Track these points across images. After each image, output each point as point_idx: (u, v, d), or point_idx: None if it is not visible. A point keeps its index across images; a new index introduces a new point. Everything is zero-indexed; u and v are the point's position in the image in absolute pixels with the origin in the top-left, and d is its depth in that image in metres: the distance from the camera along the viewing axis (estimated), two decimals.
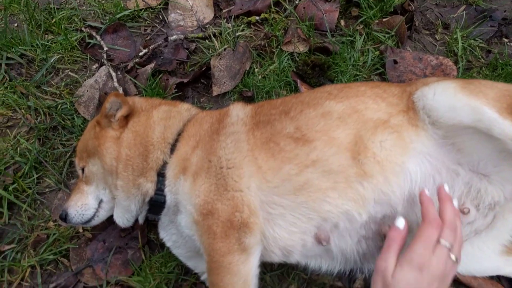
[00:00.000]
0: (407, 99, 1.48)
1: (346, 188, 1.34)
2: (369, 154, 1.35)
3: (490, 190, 1.41)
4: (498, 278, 1.63)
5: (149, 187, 1.50)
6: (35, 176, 1.89)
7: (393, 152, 1.36)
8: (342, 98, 1.50)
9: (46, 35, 2.41)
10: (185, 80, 2.12)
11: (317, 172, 1.35)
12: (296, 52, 2.25)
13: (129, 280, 1.63)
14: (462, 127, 1.35)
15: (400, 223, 1.26)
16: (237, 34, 2.34)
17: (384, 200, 1.34)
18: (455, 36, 2.29)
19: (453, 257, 1.20)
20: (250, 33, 2.37)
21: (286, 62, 2.20)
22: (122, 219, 1.61)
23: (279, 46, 2.28)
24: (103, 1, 2.58)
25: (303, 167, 1.35)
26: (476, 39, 2.31)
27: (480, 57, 2.26)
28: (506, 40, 2.34)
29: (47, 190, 1.89)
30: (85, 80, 2.23)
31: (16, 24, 2.46)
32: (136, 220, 1.65)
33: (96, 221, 1.65)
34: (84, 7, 2.56)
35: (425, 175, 1.37)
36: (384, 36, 2.25)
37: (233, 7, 2.52)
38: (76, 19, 2.46)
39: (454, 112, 1.35)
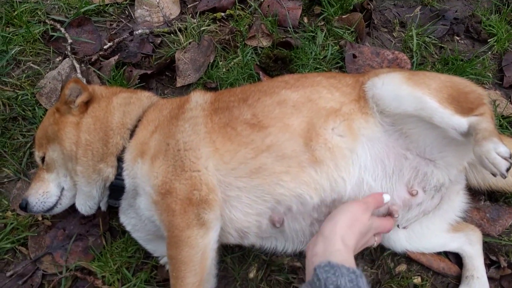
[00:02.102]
0: (359, 88, 1.57)
1: (298, 172, 1.40)
2: (321, 140, 1.43)
3: (436, 174, 1.52)
4: (445, 254, 1.72)
5: (110, 172, 1.51)
6: None
7: (344, 138, 1.45)
8: (298, 87, 1.56)
9: (7, 28, 2.38)
10: (149, 72, 2.15)
11: (272, 156, 1.41)
12: (259, 47, 2.31)
13: (90, 265, 1.63)
14: (407, 116, 1.45)
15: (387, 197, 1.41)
16: (202, 29, 2.38)
17: (334, 185, 1.41)
18: (410, 34, 2.41)
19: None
20: (215, 28, 2.42)
21: (249, 55, 2.26)
22: (85, 207, 1.61)
23: (243, 41, 2.33)
24: None
25: (259, 151, 1.41)
26: (430, 36, 2.44)
27: (433, 52, 2.39)
28: (457, 38, 2.48)
29: (5, 180, 1.86)
30: (47, 72, 2.21)
31: None
32: (98, 208, 1.65)
33: (59, 209, 1.64)
34: (48, 1, 2.54)
35: (374, 160, 1.46)
36: (344, 32, 2.35)
37: (198, 3, 2.56)
38: (39, 13, 2.44)
39: (399, 101, 1.45)
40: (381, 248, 1.71)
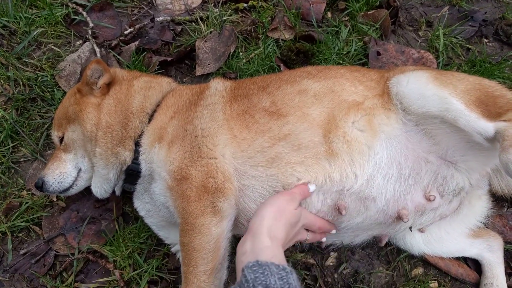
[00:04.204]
0: (384, 84, 1.52)
1: (313, 164, 1.36)
2: (340, 133, 1.38)
3: (456, 177, 1.46)
4: (464, 260, 1.67)
5: (127, 155, 1.50)
6: (11, 145, 1.87)
7: (364, 133, 1.40)
8: (321, 78, 1.52)
9: (30, 9, 2.38)
10: (169, 59, 2.13)
11: (288, 146, 1.37)
12: (281, 39, 2.27)
13: (102, 248, 1.62)
14: (431, 116, 1.39)
15: (312, 187, 1.34)
16: (223, 18, 2.35)
17: (344, 179, 1.36)
18: (437, 33, 2.35)
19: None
20: (237, 19, 2.39)
21: (271, 47, 2.22)
22: (100, 190, 1.59)
23: (265, 32, 2.30)
24: None
25: (276, 140, 1.38)
26: (457, 37, 2.37)
27: (460, 54, 2.32)
28: (486, 40, 2.41)
29: (22, 159, 1.86)
30: (67, 55, 2.20)
31: None
32: (112, 192, 1.64)
33: (75, 190, 1.63)
34: None
35: (391, 161, 1.40)
36: (369, 28, 2.30)
37: None
38: None
39: (423, 100, 1.39)
40: (398, 250, 1.67)
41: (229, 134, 1.39)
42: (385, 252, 1.69)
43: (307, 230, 1.37)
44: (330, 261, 1.67)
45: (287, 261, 1.65)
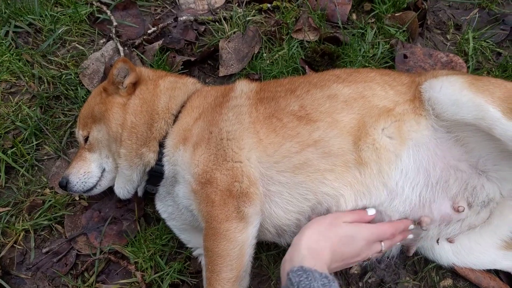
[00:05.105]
0: (415, 89, 1.47)
1: (343, 172, 1.32)
2: (369, 140, 1.34)
3: (487, 187, 1.40)
4: (496, 272, 1.60)
5: (151, 157, 1.48)
6: (35, 142, 1.87)
7: (392, 141, 1.35)
8: (350, 82, 1.48)
9: (55, 7, 2.39)
10: (193, 59, 2.11)
11: (318, 152, 1.33)
12: (306, 40, 2.23)
13: (123, 249, 1.61)
14: (465, 124, 1.34)
15: (371, 211, 1.33)
16: (247, 18, 2.32)
17: (372, 190, 1.32)
18: (466, 37, 2.28)
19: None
20: (261, 19, 2.36)
21: (295, 49, 2.18)
22: (123, 190, 1.58)
23: (289, 34, 2.26)
24: None
25: (304, 146, 1.34)
26: (487, 41, 2.30)
27: (490, 58, 2.25)
28: None
29: (45, 157, 1.87)
30: (91, 53, 2.21)
31: None
32: (135, 193, 1.62)
33: (98, 190, 1.62)
34: None
35: (417, 167, 1.35)
36: (397, 31, 2.24)
37: None
38: None
39: (458, 107, 1.33)
40: (425, 260, 1.62)
41: (255, 137, 1.36)
42: (412, 261, 1.64)
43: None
44: (355, 269, 1.62)
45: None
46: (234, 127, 1.38)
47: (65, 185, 1.55)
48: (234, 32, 2.25)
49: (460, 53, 2.26)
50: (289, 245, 1.45)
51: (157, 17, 2.43)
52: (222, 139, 1.37)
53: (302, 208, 1.35)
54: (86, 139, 1.58)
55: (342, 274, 1.62)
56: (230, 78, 2.14)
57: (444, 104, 1.36)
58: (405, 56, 2.16)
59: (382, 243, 1.31)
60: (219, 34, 2.29)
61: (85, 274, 1.62)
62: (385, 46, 2.20)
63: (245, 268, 1.32)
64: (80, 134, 1.62)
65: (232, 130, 1.38)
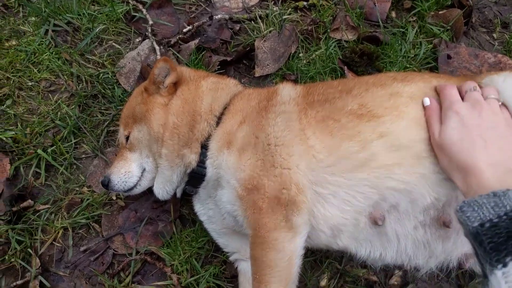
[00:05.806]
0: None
1: (413, 164, 1.25)
2: None
3: None
4: None
5: (193, 158, 1.46)
6: (73, 141, 1.89)
7: None
8: (409, 81, 1.43)
9: (92, 6, 2.42)
10: (229, 59, 2.08)
11: (385, 146, 1.27)
12: (343, 40, 2.17)
13: (159, 251, 1.61)
14: None
15: (426, 101, 1.32)
16: (283, 17, 2.27)
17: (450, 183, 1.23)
18: None
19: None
20: (297, 18, 2.31)
21: (333, 48, 2.12)
22: (162, 191, 1.56)
23: (326, 33, 2.20)
24: None
25: (367, 142, 1.28)
26: None
27: None
28: None
29: (83, 156, 1.89)
30: (127, 52, 2.22)
31: None
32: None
33: (138, 190, 1.60)
34: None
35: None
36: (439, 30, 2.14)
37: None
38: None
39: None
40: (470, 274, 1.54)
41: (305, 144, 1.31)
42: (455, 274, 1.56)
43: None
44: (395, 279, 1.56)
45: (347, 275, 1.56)
46: (283, 133, 1.34)
47: (106, 184, 1.55)
48: (270, 31, 2.21)
49: (509, 53, 2.14)
50: (345, 248, 1.38)
51: (192, 16, 2.42)
52: (270, 145, 1.33)
53: (361, 207, 1.29)
54: (127, 139, 1.58)
55: (381, 284, 1.57)
56: (266, 79, 2.10)
57: (508, 92, 1.28)
58: (449, 57, 2.06)
59: None
60: (255, 33, 2.25)
61: (121, 274, 1.63)
62: (428, 46, 2.11)
63: (294, 279, 1.28)
64: (122, 133, 1.61)
65: (281, 136, 1.34)
